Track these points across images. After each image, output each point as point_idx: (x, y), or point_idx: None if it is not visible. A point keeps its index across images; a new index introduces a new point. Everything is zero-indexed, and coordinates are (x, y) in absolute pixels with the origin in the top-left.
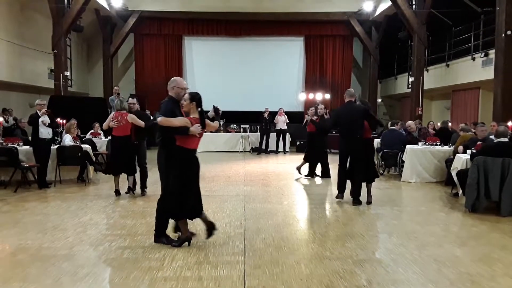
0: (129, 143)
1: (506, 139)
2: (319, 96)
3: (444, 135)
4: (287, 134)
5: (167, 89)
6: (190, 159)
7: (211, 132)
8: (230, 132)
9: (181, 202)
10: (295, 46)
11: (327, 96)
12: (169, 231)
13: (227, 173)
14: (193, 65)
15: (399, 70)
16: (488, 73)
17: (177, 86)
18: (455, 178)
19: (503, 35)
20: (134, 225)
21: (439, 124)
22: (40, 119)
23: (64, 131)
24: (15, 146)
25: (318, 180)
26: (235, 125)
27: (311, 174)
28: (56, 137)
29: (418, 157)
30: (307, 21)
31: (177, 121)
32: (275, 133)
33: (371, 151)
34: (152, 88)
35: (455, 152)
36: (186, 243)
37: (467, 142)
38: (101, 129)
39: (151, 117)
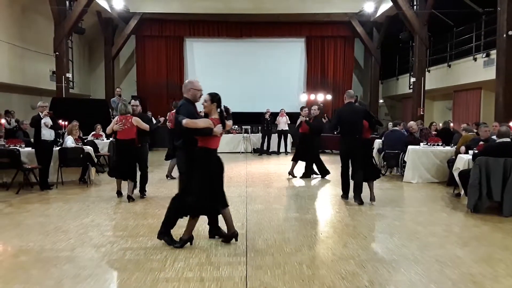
0: (133, 146)
1: (508, 139)
2: (320, 97)
3: (446, 136)
4: (289, 135)
5: (183, 91)
6: (215, 158)
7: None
8: (232, 133)
9: (203, 200)
10: (296, 47)
11: (329, 97)
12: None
13: (229, 174)
14: (194, 66)
15: (400, 71)
16: (490, 74)
17: (194, 88)
18: (457, 178)
19: (504, 35)
20: (136, 226)
21: (441, 124)
22: (43, 121)
23: (66, 133)
24: (17, 148)
25: (318, 180)
26: (236, 126)
27: (308, 174)
28: (58, 139)
29: (420, 157)
30: (308, 22)
31: (202, 123)
32: (276, 134)
33: (370, 151)
34: (153, 89)
35: (457, 152)
36: (189, 243)
37: (469, 142)
38: (103, 131)
39: (153, 120)
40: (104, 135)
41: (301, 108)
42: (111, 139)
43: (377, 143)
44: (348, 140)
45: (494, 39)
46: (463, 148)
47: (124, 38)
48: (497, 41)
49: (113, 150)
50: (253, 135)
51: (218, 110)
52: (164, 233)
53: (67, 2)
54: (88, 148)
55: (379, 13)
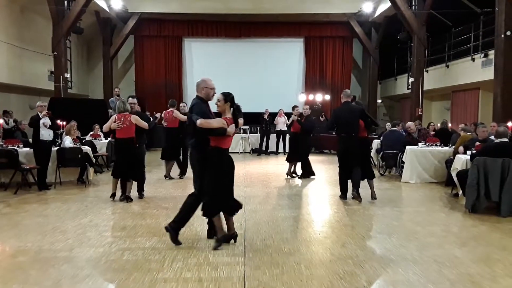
0: (132, 145)
1: (506, 140)
2: (319, 97)
3: (444, 136)
4: (287, 135)
5: (196, 90)
6: (227, 158)
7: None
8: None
9: (219, 200)
10: (295, 47)
11: (327, 97)
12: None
13: None
14: (193, 66)
15: (398, 71)
16: (488, 74)
17: (207, 87)
18: (455, 178)
19: (502, 35)
20: (134, 226)
21: (439, 125)
22: (41, 121)
23: (64, 133)
24: (15, 148)
25: (317, 181)
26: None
27: (306, 174)
28: (56, 139)
29: (418, 157)
30: (306, 22)
31: (216, 123)
32: (275, 134)
33: (367, 150)
34: (152, 89)
35: (455, 152)
36: (232, 240)
37: (467, 142)
38: (101, 131)
39: (151, 119)
40: (102, 135)
41: (293, 108)
42: (109, 139)
43: (376, 143)
44: (345, 139)
45: (492, 40)
46: (461, 148)
47: (123, 38)
48: (495, 42)
49: (111, 150)
50: (252, 135)
51: (231, 109)
52: (174, 229)
53: (66, 2)
54: (86, 148)
55: (377, 13)
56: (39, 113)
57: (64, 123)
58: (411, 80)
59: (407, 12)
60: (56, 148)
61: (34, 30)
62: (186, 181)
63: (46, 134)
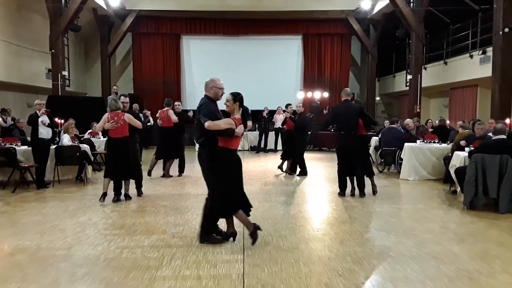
0: (127, 144)
1: (504, 136)
2: (317, 94)
3: (442, 133)
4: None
5: (205, 89)
6: (235, 159)
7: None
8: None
9: (230, 200)
10: (293, 44)
11: (326, 94)
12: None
13: None
14: (191, 64)
15: (397, 68)
16: (486, 71)
17: (216, 86)
18: (453, 175)
19: (500, 32)
20: (132, 224)
21: (437, 122)
22: (40, 119)
23: (62, 131)
24: (13, 146)
25: (314, 178)
26: None
27: (304, 172)
28: (55, 137)
29: (416, 154)
30: (305, 19)
31: (224, 124)
32: (273, 132)
33: (366, 147)
34: (150, 87)
35: (453, 149)
36: (232, 238)
37: (464, 138)
38: None
39: (149, 118)
40: (100, 133)
41: (286, 105)
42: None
43: (374, 140)
44: (344, 137)
45: (491, 36)
46: (463, 142)
47: (120, 35)
48: (493, 38)
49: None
50: (250, 133)
51: (241, 110)
52: (206, 234)
53: (63, 0)
54: (85, 146)
55: (375, 10)
56: (37, 111)
57: (62, 121)
58: (409, 77)
59: (405, 9)
60: (54, 146)
61: (31, 28)
62: (184, 180)
63: (45, 132)
